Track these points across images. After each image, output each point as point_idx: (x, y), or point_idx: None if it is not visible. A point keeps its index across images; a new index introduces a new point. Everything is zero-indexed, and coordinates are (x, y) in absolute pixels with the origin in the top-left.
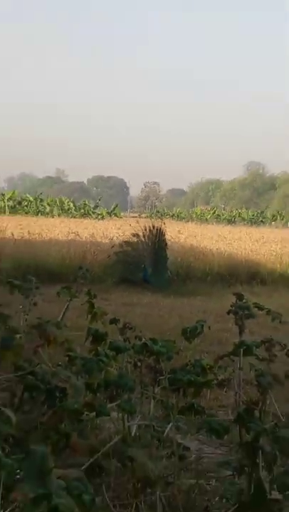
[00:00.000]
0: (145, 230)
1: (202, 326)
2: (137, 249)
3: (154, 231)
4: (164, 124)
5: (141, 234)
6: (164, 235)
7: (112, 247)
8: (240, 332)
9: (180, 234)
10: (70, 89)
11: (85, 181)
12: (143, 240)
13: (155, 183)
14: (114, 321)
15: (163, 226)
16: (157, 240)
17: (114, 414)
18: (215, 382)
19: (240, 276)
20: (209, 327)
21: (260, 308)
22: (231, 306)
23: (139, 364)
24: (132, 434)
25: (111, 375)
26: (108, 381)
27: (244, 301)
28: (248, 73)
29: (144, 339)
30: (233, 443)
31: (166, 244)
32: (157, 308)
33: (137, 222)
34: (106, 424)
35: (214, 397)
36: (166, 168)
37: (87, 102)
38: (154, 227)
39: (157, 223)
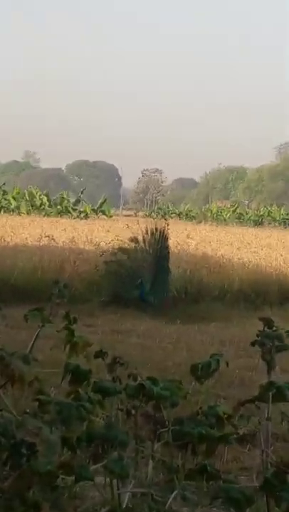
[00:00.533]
0: (146, 233)
1: (218, 361)
2: (135, 258)
3: (156, 235)
4: (167, 90)
5: (140, 238)
6: (167, 239)
7: (102, 255)
8: (269, 370)
9: (189, 239)
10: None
11: (63, 168)
12: (143, 246)
13: (157, 170)
14: (100, 355)
15: (166, 228)
16: (159, 247)
17: (99, 479)
18: (235, 436)
19: (269, 296)
20: (227, 363)
21: None
22: (257, 335)
23: (133, 412)
24: (124, 505)
25: (96, 426)
26: (92, 434)
27: (274, 328)
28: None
29: (140, 379)
30: None
31: (168, 252)
32: (158, 338)
33: (137, 223)
34: (89, 492)
35: (233, 458)
36: (172, 151)
37: (70, 64)
38: (156, 229)
39: (159, 224)
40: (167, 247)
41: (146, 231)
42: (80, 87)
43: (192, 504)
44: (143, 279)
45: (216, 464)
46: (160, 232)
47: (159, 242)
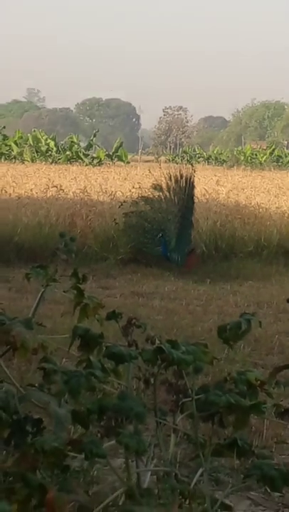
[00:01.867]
0: (170, 179)
1: (249, 321)
2: (159, 209)
3: (182, 182)
4: (192, 15)
5: (164, 185)
6: (194, 188)
7: (120, 205)
8: None
9: (219, 186)
10: None
11: (72, 107)
12: (168, 195)
13: (181, 108)
14: (113, 316)
15: (192, 174)
16: (185, 196)
17: (120, 460)
18: (273, 409)
19: None
20: (260, 323)
21: None
22: None
23: (151, 380)
24: (144, 486)
25: (109, 397)
26: (105, 406)
27: None
28: None
29: (158, 342)
30: None
31: (193, 202)
32: (186, 300)
33: (159, 168)
34: (108, 476)
35: (274, 434)
36: (198, 85)
37: None
38: (181, 175)
39: (185, 170)
40: (192, 197)
41: (170, 177)
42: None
43: (222, 484)
44: (166, 234)
45: (255, 442)
46: (186, 178)
47: (185, 190)
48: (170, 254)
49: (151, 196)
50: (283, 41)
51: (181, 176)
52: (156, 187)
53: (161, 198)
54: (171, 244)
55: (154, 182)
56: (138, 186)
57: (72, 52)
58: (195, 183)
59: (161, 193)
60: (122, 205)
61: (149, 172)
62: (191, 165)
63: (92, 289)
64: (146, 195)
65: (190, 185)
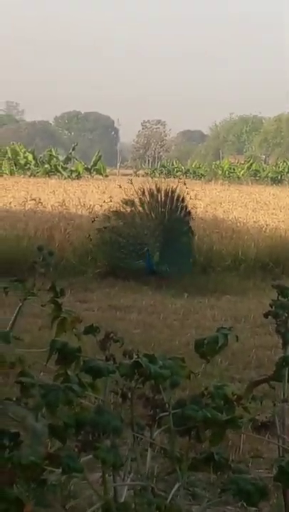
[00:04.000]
0: (143, 194)
1: (226, 335)
2: (132, 223)
3: (160, 196)
4: (170, 32)
5: (137, 200)
6: (180, 200)
7: (93, 221)
8: (285, 344)
9: (197, 200)
10: None
11: (51, 120)
12: (141, 209)
13: (159, 122)
14: (90, 330)
15: (182, 187)
16: (169, 210)
17: (97, 475)
18: (250, 423)
19: None
20: (237, 337)
21: None
22: (271, 305)
23: (129, 395)
24: (120, 500)
25: (86, 411)
26: (82, 420)
27: None
28: None
29: (136, 356)
30: None
31: (188, 213)
32: (163, 314)
33: (130, 182)
34: (86, 490)
35: (251, 449)
36: (176, 100)
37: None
38: (159, 190)
39: (166, 184)
40: (179, 211)
41: (144, 192)
42: (69, 23)
43: (199, 498)
44: (148, 248)
45: (232, 456)
46: (168, 193)
47: (167, 204)
48: (157, 268)
49: (124, 211)
50: (261, 56)
51: (159, 190)
52: (128, 202)
53: (134, 213)
54: (154, 258)
55: (126, 197)
56: (109, 200)
57: (51, 65)
58: (182, 197)
59: (133, 208)
60: (94, 220)
61: (120, 187)
62: (179, 179)
63: (69, 302)
64: (118, 210)
65: (172, 199)
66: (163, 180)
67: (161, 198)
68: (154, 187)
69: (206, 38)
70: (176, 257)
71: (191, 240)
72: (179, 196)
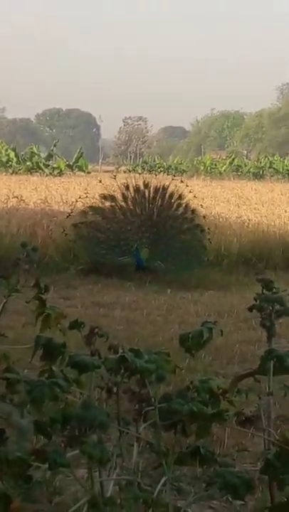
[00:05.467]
0: (127, 189)
1: (210, 329)
2: (113, 218)
3: (148, 192)
4: (151, 27)
5: (119, 196)
6: (181, 198)
7: (68, 216)
8: (269, 337)
9: None
10: None
11: (33, 118)
12: (123, 204)
13: (141, 118)
14: (75, 326)
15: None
16: (159, 206)
17: (83, 471)
18: (235, 417)
19: (272, 259)
20: (222, 331)
21: None
22: (255, 298)
23: (114, 389)
24: (107, 495)
25: (72, 406)
26: (68, 415)
27: (274, 290)
28: None
29: (121, 351)
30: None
31: (191, 210)
32: (146, 310)
33: (113, 178)
34: (71, 487)
35: (236, 443)
36: (157, 95)
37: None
38: (146, 185)
39: (156, 181)
40: (178, 206)
41: (127, 187)
42: (48, 21)
43: (185, 492)
44: (138, 245)
45: (217, 450)
46: (158, 188)
47: (157, 200)
48: (147, 264)
49: (102, 206)
50: (242, 53)
51: (147, 186)
52: (107, 197)
53: (115, 208)
54: (142, 254)
55: (104, 192)
56: (85, 196)
57: (32, 62)
58: (173, 192)
59: (114, 203)
60: (69, 215)
61: (100, 182)
62: (173, 175)
63: (53, 299)
64: (95, 205)
65: (166, 196)
66: (156, 176)
67: (149, 194)
68: (140, 183)
69: (188, 36)
70: (173, 253)
71: (197, 236)
72: (173, 193)
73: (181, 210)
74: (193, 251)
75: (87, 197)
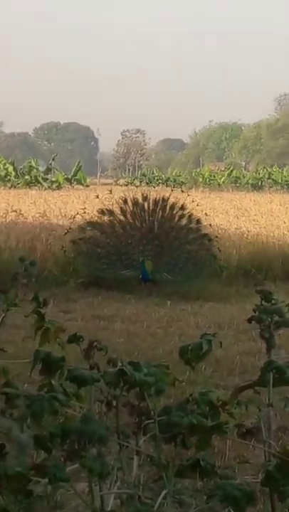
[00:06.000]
0: (125, 202)
1: (210, 341)
2: (112, 233)
3: (148, 204)
4: (149, 39)
5: (118, 210)
6: (183, 208)
7: (66, 233)
8: (269, 348)
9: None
10: None
11: (31, 132)
12: (122, 218)
13: (139, 131)
14: (74, 339)
15: (179, 195)
16: (160, 218)
17: (83, 485)
18: (236, 429)
19: (271, 270)
20: (221, 343)
21: None
22: (254, 310)
23: (114, 403)
24: (107, 509)
25: (72, 420)
26: (67, 429)
27: (273, 301)
28: None
29: (120, 364)
30: None
31: (195, 221)
32: (146, 323)
33: (110, 192)
34: (72, 501)
35: (237, 455)
36: (155, 108)
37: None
38: (144, 198)
39: (155, 193)
40: (181, 217)
41: (125, 201)
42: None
43: (186, 505)
44: (136, 257)
45: (218, 463)
46: (158, 201)
47: (157, 212)
48: (152, 276)
49: (100, 221)
50: (240, 64)
51: (145, 199)
52: (104, 212)
53: (114, 222)
54: (147, 267)
55: (102, 207)
56: (83, 211)
57: (29, 76)
58: (174, 203)
59: (112, 218)
60: (67, 232)
61: (97, 197)
62: (182, 189)
63: (52, 313)
64: (93, 220)
65: (167, 208)
66: (154, 188)
67: (149, 207)
68: (139, 196)
69: (186, 49)
70: (179, 264)
71: (205, 246)
72: (174, 204)
73: (184, 220)
74: (202, 261)
75: (85, 212)
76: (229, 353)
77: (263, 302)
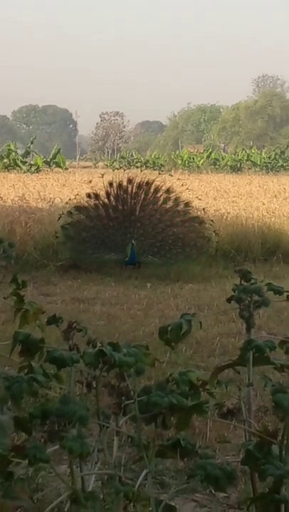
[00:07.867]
0: (110, 186)
1: (190, 321)
2: (96, 216)
3: (131, 188)
4: (127, 21)
5: (103, 193)
6: (169, 191)
7: (59, 218)
8: (248, 328)
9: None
10: None
11: (9, 115)
12: (106, 201)
13: (117, 113)
14: (53, 321)
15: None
16: (142, 200)
17: (64, 467)
18: (216, 410)
19: (251, 251)
20: (201, 323)
21: (277, 291)
22: (233, 289)
23: (94, 383)
24: (88, 489)
25: (52, 401)
26: (47, 411)
27: (252, 281)
28: None
29: (99, 345)
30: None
31: (184, 203)
32: (127, 305)
33: (100, 175)
34: (54, 483)
35: (218, 435)
36: (133, 90)
37: None
38: (130, 181)
39: (141, 176)
40: (166, 200)
41: (111, 184)
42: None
43: (167, 485)
44: (133, 241)
45: (199, 443)
46: (141, 184)
47: (139, 195)
48: (138, 259)
49: (86, 205)
50: (217, 46)
51: (130, 181)
52: (91, 195)
53: (98, 206)
54: (132, 249)
55: (90, 191)
56: (77, 194)
57: (8, 59)
58: (158, 185)
59: (97, 201)
60: (60, 217)
61: (90, 182)
62: (170, 173)
63: (33, 296)
64: (79, 204)
65: (151, 191)
66: (147, 172)
67: (132, 190)
68: (124, 179)
69: (164, 31)
70: (165, 247)
71: (194, 228)
72: (159, 187)
73: (170, 203)
74: (192, 243)
75: (76, 198)
76: (209, 335)
77: (243, 282)
